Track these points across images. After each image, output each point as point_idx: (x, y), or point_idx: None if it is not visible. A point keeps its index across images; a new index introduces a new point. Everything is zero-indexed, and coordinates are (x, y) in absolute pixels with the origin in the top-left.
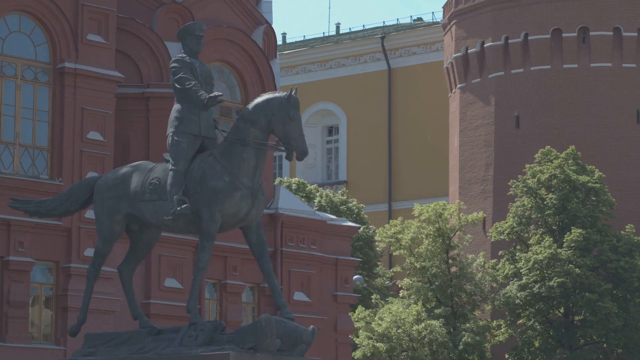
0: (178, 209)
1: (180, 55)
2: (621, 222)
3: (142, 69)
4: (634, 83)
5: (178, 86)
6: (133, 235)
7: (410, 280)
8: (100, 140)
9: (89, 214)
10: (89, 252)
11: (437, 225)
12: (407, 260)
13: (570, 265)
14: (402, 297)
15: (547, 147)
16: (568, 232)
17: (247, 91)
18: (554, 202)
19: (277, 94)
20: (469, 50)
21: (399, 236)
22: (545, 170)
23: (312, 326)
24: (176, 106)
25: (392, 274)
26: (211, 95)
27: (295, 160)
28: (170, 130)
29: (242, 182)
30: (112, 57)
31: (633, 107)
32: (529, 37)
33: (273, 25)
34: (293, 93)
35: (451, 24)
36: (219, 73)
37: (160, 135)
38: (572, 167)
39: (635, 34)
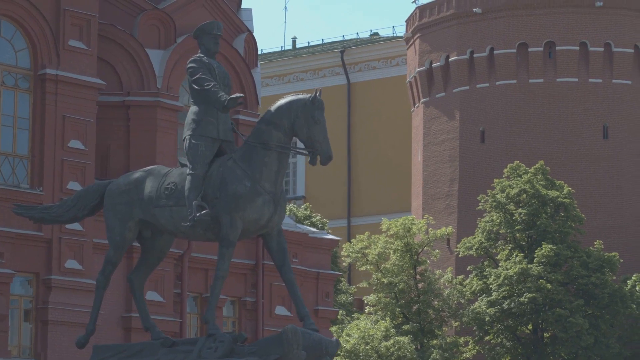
0: (197, 215)
1: (197, 55)
2: (589, 238)
3: (123, 77)
4: (601, 98)
5: (196, 87)
6: (145, 243)
7: (377, 296)
8: (81, 149)
9: (71, 224)
10: (70, 264)
11: (405, 240)
12: (373, 276)
13: (541, 280)
14: (368, 314)
15: (516, 162)
16: (539, 248)
17: None
18: (524, 217)
19: (300, 96)
20: (433, 64)
21: (366, 251)
22: (514, 185)
23: (335, 337)
24: (193, 108)
25: (356, 289)
26: (232, 96)
27: (320, 165)
28: (187, 133)
29: (264, 187)
30: (94, 63)
31: (599, 122)
32: (495, 52)
33: (254, 34)
34: (318, 95)
35: (415, 37)
36: None
37: (141, 145)
38: (541, 182)
39: (602, 49)
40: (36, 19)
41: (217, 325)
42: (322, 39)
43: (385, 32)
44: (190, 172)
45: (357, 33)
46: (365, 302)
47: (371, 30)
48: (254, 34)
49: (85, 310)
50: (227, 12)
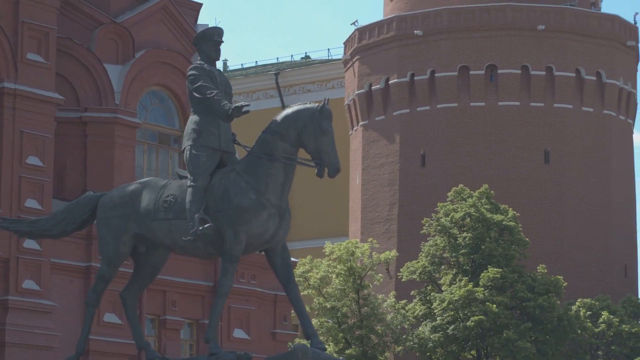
0: (200, 228)
1: (198, 63)
2: (532, 262)
3: (80, 92)
4: (542, 122)
5: (198, 95)
6: (139, 258)
7: (319, 320)
8: (39, 166)
9: (28, 243)
10: (28, 284)
11: (348, 264)
12: (315, 300)
13: (488, 303)
14: None
15: (460, 185)
16: (485, 271)
17: (186, 117)
18: (468, 241)
19: (307, 105)
20: (372, 87)
21: (308, 275)
22: (459, 209)
23: (342, 358)
24: (193, 117)
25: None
26: (236, 105)
27: (327, 177)
28: (187, 143)
29: (269, 200)
30: (53, 77)
31: (541, 146)
32: (436, 74)
33: None
34: (325, 104)
35: (354, 60)
36: (158, 98)
37: (99, 162)
38: (486, 206)
39: (543, 73)
40: None
41: (219, 344)
42: (256, 61)
43: (320, 55)
44: (192, 184)
45: (292, 55)
46: None
47: (305, 53)
48: None
49: (43, 332)
50: (186, 28)
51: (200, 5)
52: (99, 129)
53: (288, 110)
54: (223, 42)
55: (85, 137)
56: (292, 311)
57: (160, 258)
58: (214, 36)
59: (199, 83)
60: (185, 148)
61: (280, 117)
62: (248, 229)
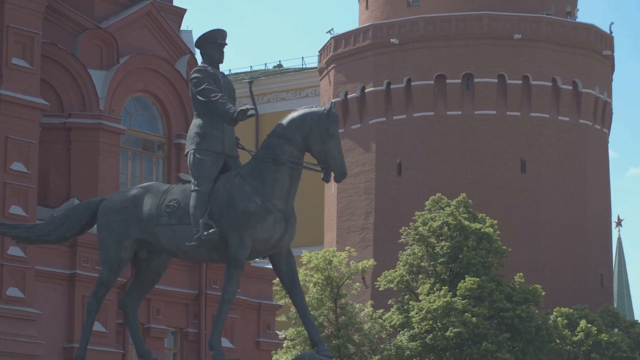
0: (205, 233)
1: (202, 65)
2: (509, 271)
3: (64, 98)
4: (518, 131)
5: (202, 98)
6: (140, 264)
7: (296, 330)
8: (24, 172)
9: (13, 250)
10: (12, 291)
11: (326, 273)
12: (291, 309)
13: (466, 314)
14: (287, 348)
15: (438, 194)
16: (462, 280)
17: (170, 123)
18: (446, 250)
19: (313, 109)
20: (348, 95)
21: None
22: (437, 218)
23: None
24: (196, 121)
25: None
26: (242, 108)
27: (333, 182)
28: (190, 147)
29: (275, 205)
30: (37, 83)
31: (517, 156)
32: (412, 83)
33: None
34: (332, 108)
35: (329, 68)
36: (142, 104)
37: (82, 169)
38: (464, 215)
39: (520, 82)
40: None
41: (222, 352)
42: (230, 69)
43: (294, 63)
44: (195, 188)
45: (266, 64)
46: (284, 336)
47: (279, 61)
48: (196, 56)
49: (27, 341)
50: (170, 33)
51: (184, 11)
52: (83, 135)
53: (294, 114)
54: (227, 44)
55: (69, 143)
56: (277, 317)
57: (161, 264)
58: (218, 38)
59: (203, 86)
60: (188, 152)
61: (286, 120)
62: (253, 234)
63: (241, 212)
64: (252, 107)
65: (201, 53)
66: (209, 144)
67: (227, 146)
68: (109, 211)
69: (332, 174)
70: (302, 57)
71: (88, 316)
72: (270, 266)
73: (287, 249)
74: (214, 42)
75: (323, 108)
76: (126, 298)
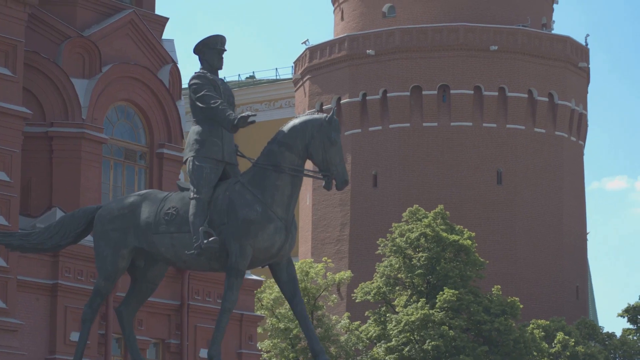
0: (205, 242)
1: (201, 71)
2: (486, 283)
3: (46, 106)
4: (495, 143)
5: (201, 105)
6: (136, 273)
7: (272, 342)
8: (6, 181)
9: None
10: None
11: (303, 285)
12: (268, 321)
13: (444, 327)
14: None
15: (415, 205)
16: (441, 292)
17: (153, 133)
18: (423, 262)
19: (315, 115)
20: (323, 106)
21: (261, 296)
22: (415, 229)
23: None
24: (195, 128)
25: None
26: (242, 115)
27: (335, 189)
28: (189, 154)
29: (275, 213)
30: (20, 91)
31: (493, 167)
32: (388, 94)
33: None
34: (334, 115)
35: (304, 79)
36: (124, 113)
37: (64, 178)
38: (441, 227)
39: (496, 94)
40: None
41: None
42: None
43: (268, 74)
44: (195, 196)
45: (239, 75)
46: (260, 348)
47: (252, 72)
48: (179, 65)
49: (9, 352)
50: (152, 42)
51: (167, 19)
52: (65, 144)
53: (295, 121)
54: (226, 50)
55: (51, 152)
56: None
57: (158, 273)
58: (217, 44)
59: (202, 92)
60: (187, 159)
61: (287, 127)
62: (254, 243)
63: (242, 220)
64: (253, 113)
65: (200, 59)
66: (208, 151)
67: (226, 153)
68: (106, 219)
69: (334, 182)
70: (276, 69)
71: (83, 326)
72: (253, 277)
73: (287, 257)
74: (213, 48)
75: (324, 115)
76: (122, 307)
